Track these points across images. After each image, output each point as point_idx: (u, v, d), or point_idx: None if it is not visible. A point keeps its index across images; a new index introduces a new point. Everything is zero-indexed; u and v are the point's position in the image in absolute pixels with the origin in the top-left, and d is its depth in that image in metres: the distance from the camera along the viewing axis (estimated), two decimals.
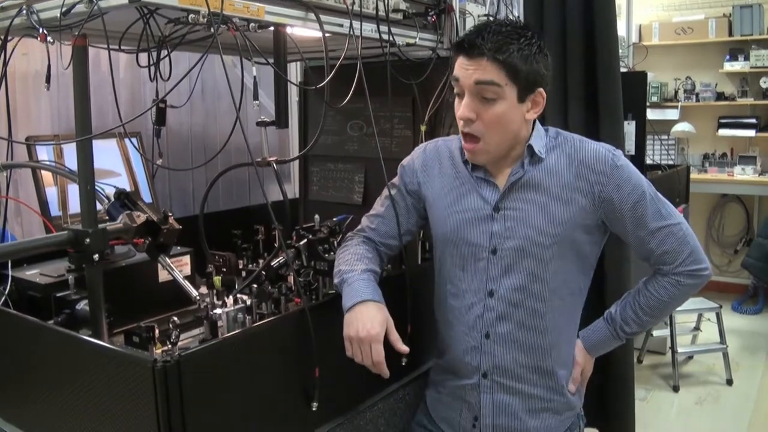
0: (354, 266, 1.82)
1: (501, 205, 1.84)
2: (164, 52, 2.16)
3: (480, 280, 1.86)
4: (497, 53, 1.69)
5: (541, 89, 1.79)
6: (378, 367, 1.67)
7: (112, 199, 2.04)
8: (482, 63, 1.70)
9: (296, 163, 3.59)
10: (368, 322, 1.67)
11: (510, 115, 1.75)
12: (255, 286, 2.02)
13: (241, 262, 2.41)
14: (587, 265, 1.91)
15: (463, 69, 1.73)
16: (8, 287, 2.06)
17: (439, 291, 1.99)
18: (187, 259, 2.27)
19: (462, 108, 1.75)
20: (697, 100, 6.77)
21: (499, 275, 1.84)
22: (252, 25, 1.89)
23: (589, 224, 1.83)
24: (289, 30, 2.09)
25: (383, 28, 2.23)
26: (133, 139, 2.73)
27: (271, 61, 2.06)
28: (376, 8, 2.22)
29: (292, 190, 3.74)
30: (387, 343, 1.68)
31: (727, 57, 6.59)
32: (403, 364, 1.88)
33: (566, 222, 1.80)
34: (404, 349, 1.71)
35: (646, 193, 1.82)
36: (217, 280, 2.13)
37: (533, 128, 1.85)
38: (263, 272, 2.09)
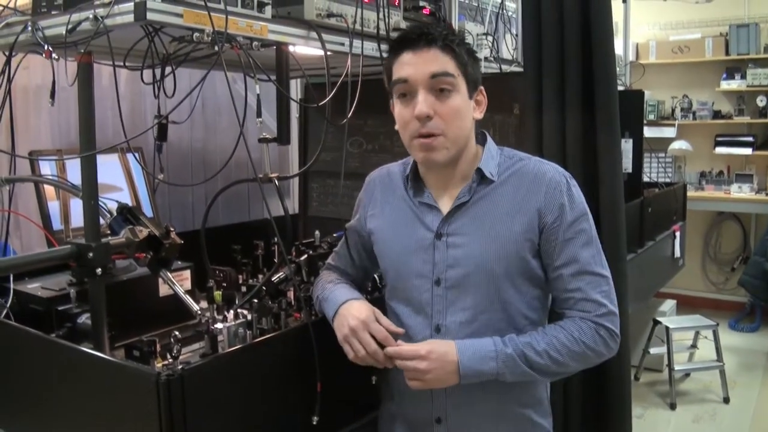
0: (327, 286, 1.82)
1: (443, 231, 1.69)
2: (168, 69, 2.19)
3: (425, 315, 1.70)
4: (447, 41, 1.61)
5: (482, 88, 1.71)
6: (387, 342, 1.60)
7: (115, 214, 2.05)
8: (432, 53, 1.59)
9: (296, 179, 3.62)
10: (354, 312, 1.65)
11: (465, 110, 1.64)
12: (255, 301, 2.03)
13: (241, 276, 2.42)
14: (543, 290, 1.73)
15: (412, 65, 1.60)
16: (10, 300, 2.07)
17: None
18: (187, 273, 2.28)
19: (420, 104, 1.59)
20: (694, 119, 6.80)
21: (444, 308, 1.68)
22: (255, 43, 1.92)
23: (534, 246, 1.66)
24: (291, 48, 2.12)
25: (384, 46, 2.26)
26: (135, 154, 2.75)
27: (274, 78, 2.08)
28: (377, 27, 2.24)
29: (292, 205, 3.76)
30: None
31: (724, 75, 6.63)
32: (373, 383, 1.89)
33: (513, 244, 1.64)
34: (400, 330, 1.66)
35: (587, 230, 1.67)
36: (217, 294, 2.14)
37: (484, 147, 1.73)
38: (264, 287, 2.10)
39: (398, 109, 1.66)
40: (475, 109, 1.69)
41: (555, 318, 1.71)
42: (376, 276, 2.13)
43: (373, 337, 1.62)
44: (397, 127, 1.70)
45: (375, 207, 1.84)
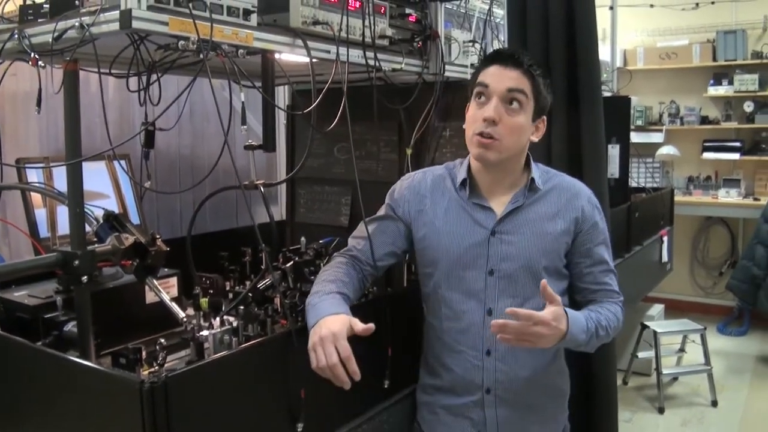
0: (324, 287, 1.85)
1: (497, 229, 1.95)
2: (153, 77, 2.19)
3: (478, 301, 1.95)
4: (531, 68, 1.90)
5: (545, 117, 1.99)
6: (349, 364, 1.64)
7: (101, 221, 2.05)
8: (516, 74, 1.88)
9: (283, 185, 3.62)
10: (329, 324, 1.68)
11: (526, 128, 1.92)
12: (241, 307, 2.03)
13: (228, 283, 2.42)
14: (565, 286, 2.04)
15: (496, 76, 1.88)
16: None
17: (433, 314, 2.05)
18: (174, 280, 2.28)
19: (490, 110, 1.86)
20: (682, 124, 6.84)
21: (496, 295, 1.94)
22: (241, 51, 1.92)
23: (567, 247, 1.99)
24: (276, 56, 2.12)
25: (369, 54, 2.26)
26: (122, 161, 2.75)
27: (259, 85, 2.09)
28: (363, 35, 2.25)
29: (280, 212, 3.76)
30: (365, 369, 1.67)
31: (711, 81, 6.67)
32: (386, 386, 1.90)
33: (554, 243, 1.95)
34: (370, 327, 1.70)
35: (607, 238, 2.06)
36: (203, 301, 2.14)
37: (530, 164, 2.01)
38: (250, 294, 2.10)
39: (472, 108, 1.94)
40: (534, 132, 1.97)
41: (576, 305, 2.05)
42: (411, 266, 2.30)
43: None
44: (464, 125, 1.97)
45: (424, 203, 2.03)
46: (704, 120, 6.78)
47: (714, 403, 4.79)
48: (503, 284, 1.94)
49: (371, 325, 1.71)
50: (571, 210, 1.98)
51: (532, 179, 1.97)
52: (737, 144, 6.64)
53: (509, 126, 1.87)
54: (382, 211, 2.09)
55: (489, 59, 1.96)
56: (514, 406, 1.99)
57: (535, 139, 1.98)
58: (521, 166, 2.00)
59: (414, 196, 2.05)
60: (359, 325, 1.70)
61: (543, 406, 2.05)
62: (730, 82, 6.54)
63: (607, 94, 5.27)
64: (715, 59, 6.64)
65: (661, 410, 4.69)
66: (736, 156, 6.61)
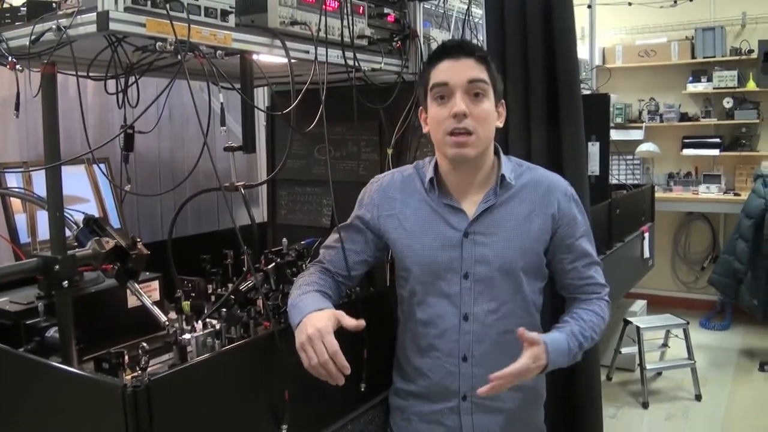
0: (303, 290, 1.85)
1: (470, 230, 1.89)
2: (132, 79, 2.18)
3: (454, 305, 1.90)
4: (481, 54, 1.87)
5: (504, 101, 1.96)
6: (337, 359, 1.64)
7: (81, 226, 2.04)
8: (470, 63, 1.84)
9: (264, 187, 3.61)
10: (314, 321, 1.68)
11: (493, 114, 1.88)
12: (224, 310, 2.02)
13: (210, 286, 2.41)
14: (546, 283, 2.01)
15: (451, 71, 1.84)
16: None
17: (408, 319, 2.01)
18: (155, 284, 2.27)
19: (458, 104, 1.81)
20: (661, 121, 6.87)
21: (472, 299, 1.89)
22: (219, 52, 1.92)
23: (546, 244, 1.95)
24: (255, 56, 2.12)
25: (348, 54, 2.26)
26: (102, 165, 2.73)
27: (238, 87, 2.08)
28: (341, 35, 2.25)
29: (261, 213, 3.75)
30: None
31: (690, 78, 6.71)
32: (362, 389, 1.93)
33: (531, 243, 1.91)
34: (361, 324, 1.71)
35: (588, 229, 2.01)
36: (185, 305, 2.13)
37: (499, 157, 1.96)
38: (232, 296, 2.09)
39: (433, 110, 1.88)
40: (497, 118, 1.92)
41: (562, 300, 2.08)
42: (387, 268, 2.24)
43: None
44: (426, 129, 1.95)
45: (392, 207, 1.98)
46: (684, 117, 6.82)
47: (698, 397, 4.81)
48: (479, 288, 1.89)
49: (362, 322, 1.71)
50: (547, 206, 1.92)
51: (502, 175, 1.92)
52: (717, 140, 6.68)
53: (479, 116, 1.83)
54: (349, 220, 2.05)
55: (436, 56, 1.90)
56: (491, 413, 1.95)
57: (500, 124, 1.93)
58: (491, 159, 1.94)
59: (383, 200, 2.00)
60: (348, 320, 1.70)
61: (520, 411, 2.00)
62: (709, 79, 6.58)
63: (586, 92, 5.31)
64: (693, 56, 6.67)
65: (645, 405, 4.71)
66: (716, 152, 6.65)
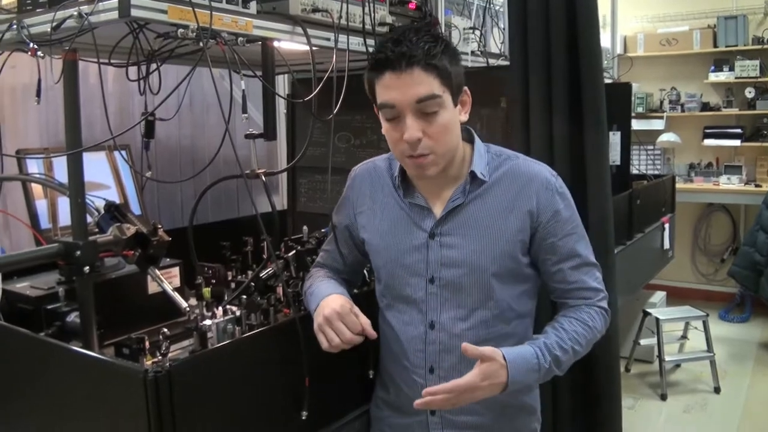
0: (315, 282, 1.83)
1: (437, 231, 1.73)
2: (153, 66, 2.18)
3: (419, 312, 1.76)
4: (429, 58, 1.57)
5: (466, 87, 1.70)
6: (366, 329, 1.64)
7: (102, 212, 2.05)
8: (415, 74, 1.56)
9: (284, 174, 3.62)
10: (331, 303, 1.66)
11: (453, 121, 1.64)
12: (244, 297, 2.03)
13: (230, 273, 2.42)
14: (530, 287, 1.81)
15: (396, 90, 1.58)
16: None
17: (383, 322, 1.87)
18: (176, 270, 2.28)
19: (409, 130, 1.58)
20: (683, 111, 6.81)
21: (438, 305, 1.74)
22: (240, 39, 1.92)
23: (525, 245, 1.74)
24: (276, 44, 2.12)
25: (370, 41, 2.25)
26: (123, 152, 2.74)
27: (260, 74, 2.08)
28: (363, 22, 2.24)
29: (281, 201, 3.76)
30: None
31: (712, 68, 6.64)
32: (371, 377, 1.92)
33: (506, 245, 1.70)
34: (369, 329, 1.67)
35: (577, 227, 1.77)
36: (206, 291, 2.14)
37: (473, 148, 1.76)
38: (252, 283, 2.10)
39: (386, 127, 1.66)
40: (460, 111, 1.69)
41: (554, 306, 1.85)
42: (365, 271, 2.12)
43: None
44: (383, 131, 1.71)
45: (364, 203, 1.86)
46: (705, 106, 6.75)
47: (717, 390, 4.79)
48: (446, 293, 1.72)
49: (373, 333, 1.68)
50: (524, 201, 1.70)
51: (471, 172, 1.71)
52: (738, 130, 6.61)
53: (437, 132, 1.60)
54: (336, 224, 1.94)
55: (377, 67, 1.61)
56: (463, 429, 1.79)
57: (465, 117, 1.70)
58: (461, 154, 1.73)
59: (357, 197, 1.87)
60: (362, 316, 1.67)
61: (499, 427, 1.81)
62: (731, 68, 6.51)
63: (607, 81, 5.27)
64: (715, 45, 6.60)
65: (663, 397, 4.69)
66: (737, 142, 6.59)
